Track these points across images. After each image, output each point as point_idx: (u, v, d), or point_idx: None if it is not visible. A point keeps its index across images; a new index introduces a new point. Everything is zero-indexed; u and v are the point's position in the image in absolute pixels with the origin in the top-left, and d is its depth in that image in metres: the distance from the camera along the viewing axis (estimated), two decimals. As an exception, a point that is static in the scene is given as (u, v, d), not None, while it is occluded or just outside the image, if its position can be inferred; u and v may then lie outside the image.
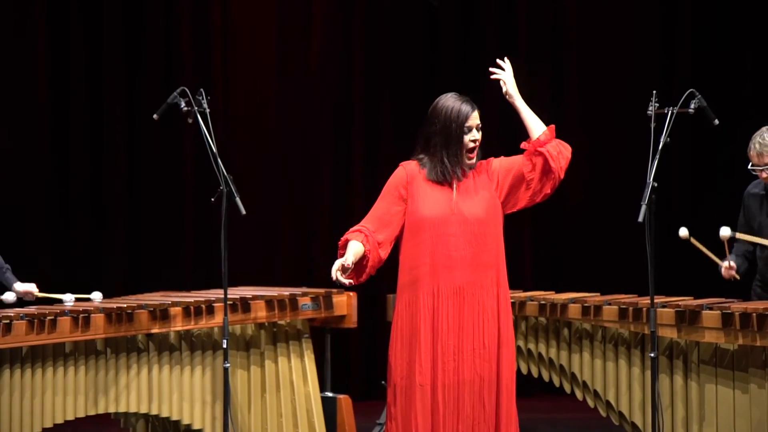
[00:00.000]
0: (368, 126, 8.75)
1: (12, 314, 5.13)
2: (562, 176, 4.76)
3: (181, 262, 8.43)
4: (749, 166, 5.67)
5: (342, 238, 4.72)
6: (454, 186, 4.73)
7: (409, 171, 4.76)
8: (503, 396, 4.66)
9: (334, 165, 8.71)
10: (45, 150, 8.22)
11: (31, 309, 5.30)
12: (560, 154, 4.76)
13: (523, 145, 4.80)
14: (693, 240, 5.57)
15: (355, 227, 4.74)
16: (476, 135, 4.75)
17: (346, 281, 4.63)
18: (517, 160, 4.80)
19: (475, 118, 4.74)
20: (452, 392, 4.63)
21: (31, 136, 8.22)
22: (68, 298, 5.51)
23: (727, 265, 5.68)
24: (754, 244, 5.80)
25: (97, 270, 8.16)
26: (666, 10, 9.00)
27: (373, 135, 8.74)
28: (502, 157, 4.84)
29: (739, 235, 5.68)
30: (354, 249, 4.66)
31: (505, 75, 4.84)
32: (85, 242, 8.24)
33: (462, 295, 4.66)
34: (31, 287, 5.53)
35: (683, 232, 5.57)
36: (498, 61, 4.88)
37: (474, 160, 4.76)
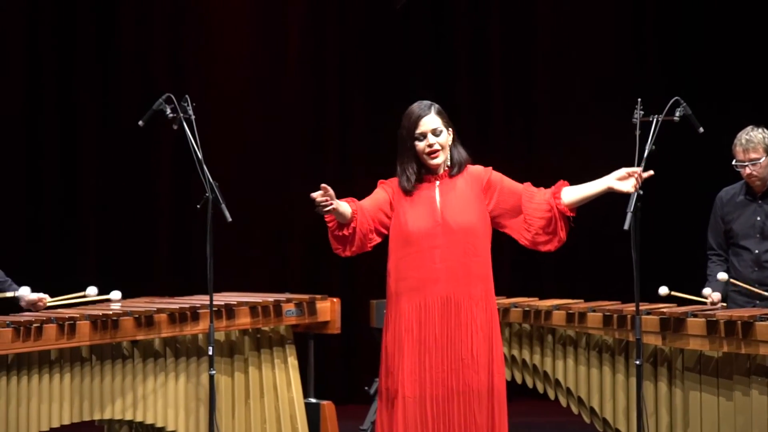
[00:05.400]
0: (343, 129, 8.78)
1: (-1, 322, 5.12)
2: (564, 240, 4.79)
3: (155, 269, 8.42)
4: (733, 162, 5.75)
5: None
6: (437, 194, 4.72)
7: (390, 185, 4.76)
8: (497, 410, 4.65)
9: (308, 167, 8.73)
10: (18, 156, 8.19)
11: (18, 316, 5.27)
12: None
13: (549, 200, 4.73)
14: (674, 293, 5.63)
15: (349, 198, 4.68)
16: (432, 140, 4.68)
17: (324, 200, 4.48)
18: (519, 191, 4.74)
19: (426, 125, 4.67)
20: (441, 404, 4.60)
21: (2, 140, 8.19)
22: (92, 291, 5.65)
23: (711, 301, 5.69)
24: (733, 257, 5.84)
25: (71, 276, 8.13)
26: (636, 17, 9.07)
27: (347, 137, 8.76)
28: (504, 176, 4.79)
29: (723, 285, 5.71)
30: (343, 205, 4.58)
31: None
32: (56, 251, 8.21)
33: (449, 306, 4.64)
34: (43, 296, 5.57)
35: (663, 290, 5.63)
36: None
37: (437, 161, 4.69)
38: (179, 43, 8.52)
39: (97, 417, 5.42)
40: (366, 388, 6.57)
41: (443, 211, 4.69)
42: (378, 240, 4.72)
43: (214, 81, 8.59)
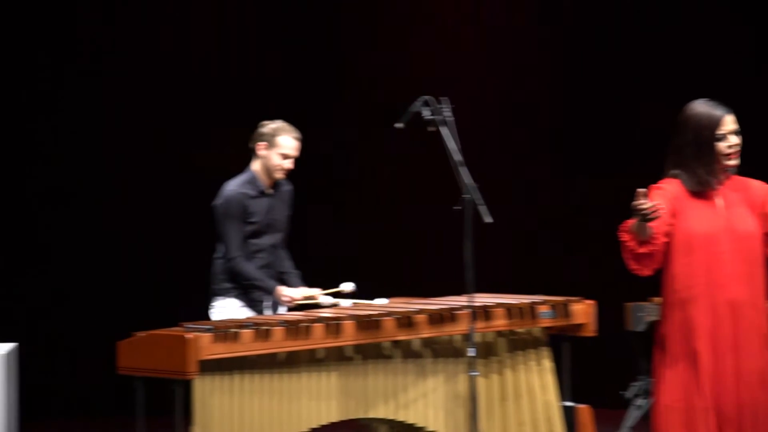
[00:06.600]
0: (582, 127, 8.69)
1: (272, 321, 5.25)
2: None
3: (402, 269, 8.51)
4: None
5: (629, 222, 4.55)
6: (719, 198, 4.61)
7: (669, 189, 4.64)
8: None
9: (550, 167, 8.66)
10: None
11: (288, 316, 5.41)
12: None
13: None
14: None
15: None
16: (733, 140, 4.61)
17: (654, 208, 4.37)
18: None
19: (730, 124, 4.61)
20: (733, 416, 4.48)
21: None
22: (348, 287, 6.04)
23: None
24: None
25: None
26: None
27: (586, 137, 8.67)
28: None
29: None
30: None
31: None
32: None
33: (736, 313, 4.52)
34: (315, 291, 5.93)
35: None
36: None
37: (736, 161, 4.63)
38: (406, 42, 8.63)
39: (361, 415, 5.49)
40: (622, 392, 6.47)
41: (728, 215, 4.60)
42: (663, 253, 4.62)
43: (448, 82, 8.64)
